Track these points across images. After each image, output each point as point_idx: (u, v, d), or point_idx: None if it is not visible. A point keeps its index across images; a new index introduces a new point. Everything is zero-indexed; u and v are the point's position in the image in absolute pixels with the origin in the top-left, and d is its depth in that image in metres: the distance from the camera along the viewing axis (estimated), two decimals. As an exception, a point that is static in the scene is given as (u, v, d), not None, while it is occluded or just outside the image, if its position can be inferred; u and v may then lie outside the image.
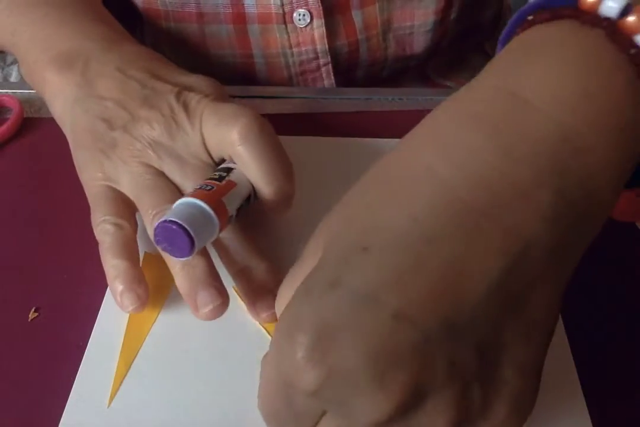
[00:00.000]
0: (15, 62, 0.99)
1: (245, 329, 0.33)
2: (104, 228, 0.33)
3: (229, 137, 0.31)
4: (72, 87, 0.36)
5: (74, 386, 0.30)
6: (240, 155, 0.32)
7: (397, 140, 0.46)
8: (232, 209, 0.31)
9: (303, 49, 0.51)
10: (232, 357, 0.32)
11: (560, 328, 0.33)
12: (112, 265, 0.32)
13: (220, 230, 0.30)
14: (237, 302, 0.34)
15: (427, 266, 0.19)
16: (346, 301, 0.19)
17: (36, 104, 0.48)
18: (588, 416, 0.29)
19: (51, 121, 0.46)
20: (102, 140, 0.34)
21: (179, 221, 0.28)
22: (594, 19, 0.22)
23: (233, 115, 0.32)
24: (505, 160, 0.21)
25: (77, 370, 0.31)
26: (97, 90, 0.36)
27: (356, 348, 0.19)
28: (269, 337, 0.32)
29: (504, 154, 0.21)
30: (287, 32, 0.50)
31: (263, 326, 0.33)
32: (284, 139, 0.43)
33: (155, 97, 0.34)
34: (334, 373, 0.19)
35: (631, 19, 0.22)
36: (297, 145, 0.44)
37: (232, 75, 0.53)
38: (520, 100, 0.21)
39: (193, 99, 0.34)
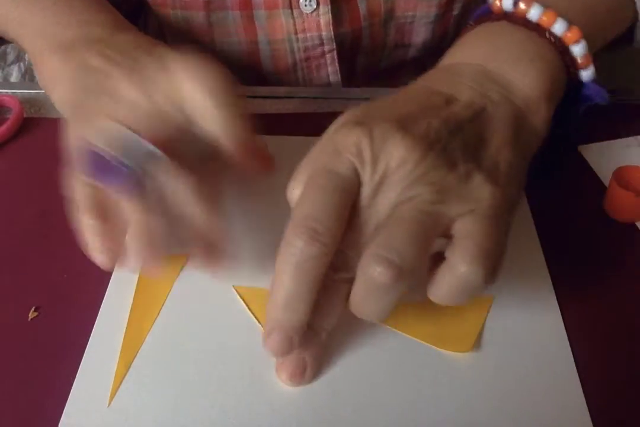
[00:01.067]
0: (15, 62, 0.99)
1: (245, 329, 0.33)
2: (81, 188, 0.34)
3: (190, 89, 0.33)
4: (72, 69, 0.37)
5: (74, 386, 0.30)
6: (203, 106, 0.33)
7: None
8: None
9: (308, 35, 0.51)
10: (232, 357, 0.32)
11: (560, 327, 0.33)
12: (89, 224, 0.33)
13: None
14: (237, 302, 0.34)
15: (402, 112, 0.30)
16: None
17: (36, 104, 0.48)
18: (588, 416, 0.29)
19: (51, 121, 0.46)
20: (90, 109, 0.35)
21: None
22: (518, 20, 0.36)
23: (197, 69, 0.33)
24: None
25: (77, 370, 0.31)
26: (93, 68, 0.36)
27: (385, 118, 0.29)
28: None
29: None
30: (293, 18, 0.50)
31: (264, 327, 0.33)
32: (285, 139, 0.44)
33: (139, 64, 0.35)
34: (371, 131, 0.28)
35: (544, 18, 0.35)
36: (297, 145, 0.44)
37: (236, 63, 0.53)
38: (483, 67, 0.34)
39: (168, 55, 0.35)
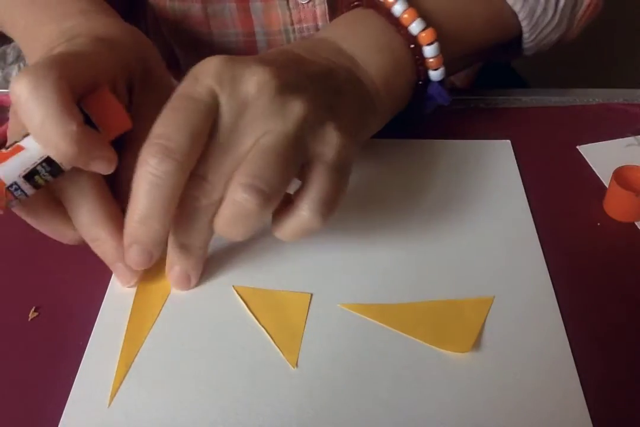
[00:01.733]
0: (15, 62, 0.99)
1: (245, 329, 0.33)
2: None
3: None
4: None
5: (74, 386, 0.30)
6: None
7: (396, 140, 0.46)
8: (12, 176, 0.29)
9: (304, 25, 0.51)
10: (232, 357, 0.32)
11: (560, 328, 0.33)
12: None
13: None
14: (237, 302, 0.34)
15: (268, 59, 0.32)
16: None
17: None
18: (588, 415, 0.29)
19: (51, 121, 0.46)
20: None
21: None
22: (383, 11, 0.38)
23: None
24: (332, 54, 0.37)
25: (77, 370, 0.31)
26: None
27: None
28: (269, 338, 0.32)
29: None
30: (289, 9, 0.50)
31: (263, 326, 0.33)
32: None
33: None
34: (232, 59, 0.30)
35: (405, 16, 0.38)
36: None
37: (233, 54, 0.53)
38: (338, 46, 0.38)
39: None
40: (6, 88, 0.50)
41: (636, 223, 0.39)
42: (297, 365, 0.31)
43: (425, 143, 0.44)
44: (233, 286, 0.35)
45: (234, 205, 0.29)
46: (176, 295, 0.34)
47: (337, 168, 0.31)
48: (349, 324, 0.33)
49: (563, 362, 0.31)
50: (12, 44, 0.76)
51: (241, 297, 0.34)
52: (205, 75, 0.30)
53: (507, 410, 0.30)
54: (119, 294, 0.34)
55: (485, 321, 0.33)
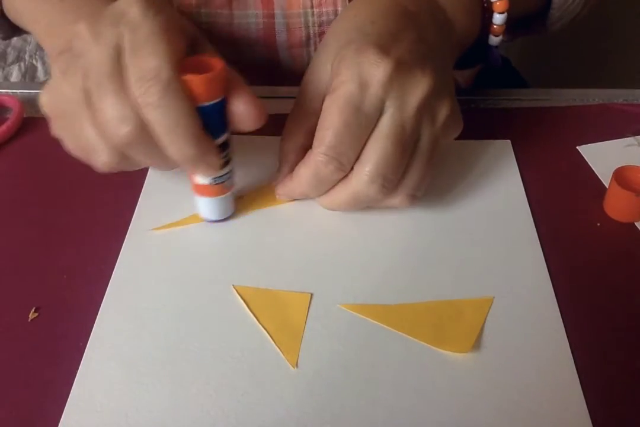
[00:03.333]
0: (15, 62, 0.99)
1: (245, 329, 0.33)
2: None
3: None
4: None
5: (74, 386, 0.30)
6: None
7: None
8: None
9: (324, 9, 0.51)
10: (232, 357, 0.32)
11: (560, 328, 0.33)
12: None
13: None
14: (237, 302, 0.34)
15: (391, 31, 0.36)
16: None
17: (36, 104, 0.48)
18: (588, 415, 0.29)
19: (51, 121, 0.46)
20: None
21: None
22: None
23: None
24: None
25: (77, 370, 0.31)
26: None
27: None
28: (269, 338, 0.32)
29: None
30: None
31: (263, 326, 0.33)
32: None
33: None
34: (399, 62, 0.33)
35: None
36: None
37: (252, 35, 0.53)
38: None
39: None
40: (6, 88, 0.50)
41: (636, 223, 0.39)
42: (297, 365, 0.31)
43: (425, 143, 0.44)
44: (233, 286, 0.35)
45: (367, 194, 0.34)
46: (176, 295, 0.34)
47: (435, 154, 0.36)
48: (348, 324, 0.33)
49: (563, 362, 0.31)
50: (13, 44, 0.76)
51: (241, 297, 0.34)
52: (376, 85, 0.33)
53: (507, 410, 0.30)
54: (119, 294, 0.34)
55: (485, 321, 0.33)
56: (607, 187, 0.40)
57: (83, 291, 0.35)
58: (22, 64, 0.99)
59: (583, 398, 0.30)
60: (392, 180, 0.34)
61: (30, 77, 1.00)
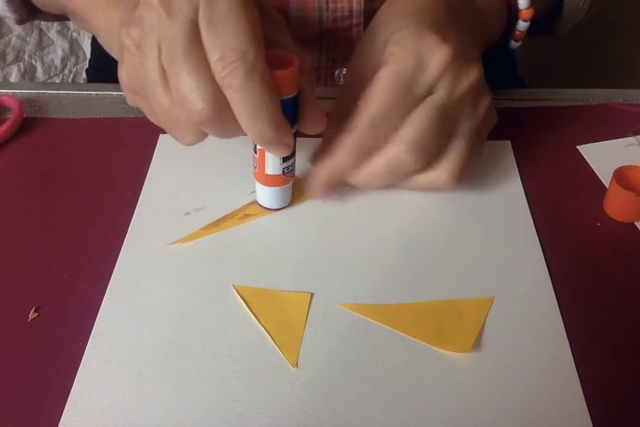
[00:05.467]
0: (14, 62, 0.99)
1: (245, 329, 0.33)
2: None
3: None
4: (118, 14, 0.37)
5: (74, 386, 0.30)
6: None
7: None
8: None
9: (339, 5, 0.51)
10: (232, 357, 0.32)
11: (560, 328, 0.33)
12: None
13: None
14: (237, 302, 0.34)
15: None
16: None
17: (36, 104, 0.48)
18: (588, 415, 0.29)
19: (51, 121, 0.46)
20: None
21: None
22: None
23: None
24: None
25: (77, 370, 0.31)
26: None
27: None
28: (269, 338, 0.32)
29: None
30: None
31: (263, 326, 0.33)
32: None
33: None
34: (456, 50, 0.35)
35: None
36: (297, 145, 0.44)
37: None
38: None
39: None
40: (6, 88, 0.50)
41: (636, 223, 0.39)
42: (297, 365, 0.31)
43: (425, 143, 0.44)
44: (233, 286, 0.35)
45: (394, 161, 0.35)
46: (176, 294, 0.34)
47: (478, 140, 0.37)
48: (348, 324, 0.33)
49: (563, 362, 0.31)
50: (12, 44, 0.76)
51: (241, 297, 0.34)
52: (434, 67, 0.34)
53: (507, 410, 0.30)
54: (119, 294, 0.34)
55: (485, 321, 0.33)
56: (607, 187, 0.40)
57: (83, 291, 0.35)
58: (21, 64, 0.99)
59: (583, 398, 0.30)
60: (430, 152, 0.34)
61: (30, 77, 1.00)
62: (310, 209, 0.39)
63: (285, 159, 0.36)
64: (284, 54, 0.32)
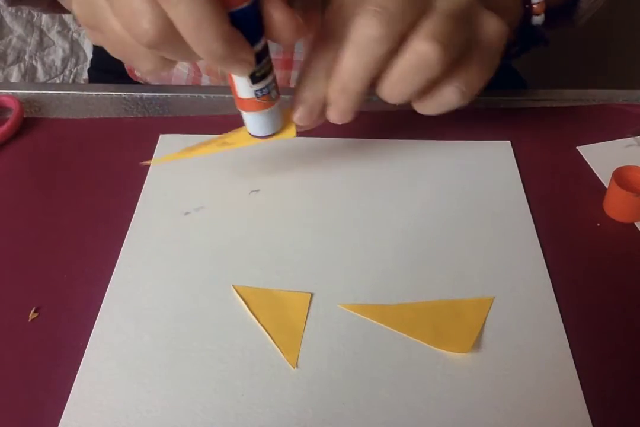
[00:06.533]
0: (15, 62, 0.99)
1: (245, 329, 0.33)
2: None
3: None
4: None
5: (74, 386, 0.30)
6: None
7: (396, 140, 0.46)
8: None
9: None
10: (232, 357, 0.32)
11: (560, 328, 0.33)
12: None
13: None
14: (237, 302, 0.34)
15: None
16: None
17: (36, 104, 0.48)
18: (588, 415, 0.29)
19: (51, 121, 0.46)
20: None
21: None
22: None
23: None
24: None
25: (77, 370, 0.31)
26: None
27: None
28: (269, 338, 0.32)
29: None
30: None
31: (263, 326, 0.33)
32: (284, 140, 0.44)
33: None
34: None
35: None
36: (298, 145, 0.44)
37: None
38: None
39: None
40: (6, 88, 0.50)
41: (636, 223, 0.39)
42: (297, 365, 0.31)
43: (425, 143, 0.44)
44: (233, 286, 0.35)
45: (414, 56, 0.32)
46: (176, 295, 0.34)
47: (488, 57, 0.35)
48: (348, 324, 0.33)
49: (563, 362, 0.31)
50: (12, 44, 0.76)
51: (241, 297, 0.34)
52: None
53: (507, 410, 0.30)
54: (119, 294, 0.34)
55: (485, 321, 0.33)
56: (607, 187, 0.40)
57: (83, 291, 0.35)
58: (22, 65, 0.99)
59: (583, 398, 0.30)
60: (453, 45, 0.32)
61: (30, 77, 1.00)
62: (310, 208, 0.39)
63: (255, 81, 0.32)
64: None
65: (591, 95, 0.49)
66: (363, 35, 0.31)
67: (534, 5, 0.44)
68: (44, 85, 0.52)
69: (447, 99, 0.35)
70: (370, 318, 0.33)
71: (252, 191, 0.40)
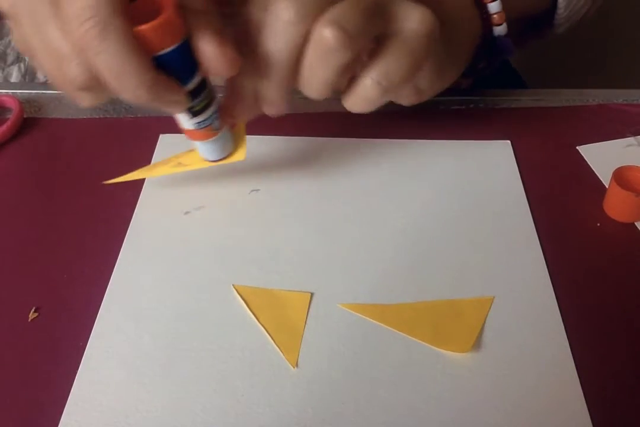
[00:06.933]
0: (15, 62, 0.99)
1: (244, 329, 0.33)
2: None
3: None
4: None
5: (74, 386, 0.30)
6: None
7: (396, 140, 0.46)
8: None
9: None
10: (232, 357, 0.32)
11: (560, 328, 0.33)
12: None
13: None
14: (237, 302, 0.34)
15: None
16: None
17: (36, 104, 0.48)
18: (588, 415, 0.29)
19: (51, 121, 0.46)
20: None
21: None
22: None
23: None
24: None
25: (77, 370, 0.31)
26: None
27: None
28: (269, 338, 0.32)
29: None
30: None
31: (263, 326, 0.33)
32: (284, 139, 0.44)
33: None
34: None
35: None
36: (297, 145, 0.44)
37: None
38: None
39: None
40: (6, 88, 0.50)
41: (636, 223, 0.39)
42: (297, 365, 0.31)
43: (425, 143, 0.44)
44: (233, 285, 0.35)
45: (318, 42, 0.30)
46: (176, 294, 0.34)
47: (411, 47, 0.32)
48: (348, 324, 0.33)
49: (563, 362, 0.31)
50: (12, 45, 0.76)
51: (241, 297, 0.34)
52: None
53: (507, 410, 0.30)
54: (119, 294, 0.34)
55: (485, 320, 0.33)
56: (607, 187, 0.40)
57: (83, 291, 0.35)
58: (22, 65, 0.99)
59: (583, 398, 0.30)
60: (358, 31, 0.30)
61: (30, 77, 1.00)
62: (310, 208, 0.39)
63: (193, 114, 0.32)
64: (158, 1, 0.28)
65: (591, 95, 0.49)
66: (277, 19, 0.30)
67: (494, 16, 0.42)
68: (44, 85, 0.52)
69: (366, 93, 0.33)
70: (370, 318, 0.33)
71: (252, 191, 0.40)
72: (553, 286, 0.35)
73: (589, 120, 0.47)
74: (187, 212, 0.39)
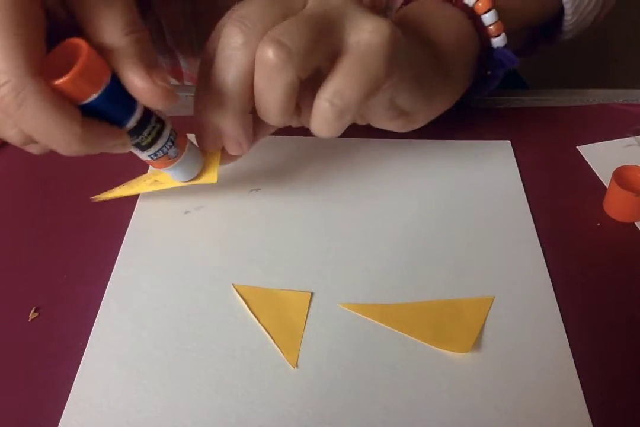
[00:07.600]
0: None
1: (244, 328, 0.33)
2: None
3: None
4: None
5: (74, 386, 0.30)
6: None
7: (396, 140, 0.46)
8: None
9: None
10: (232, 357, 0.32)
11: (560, 328, 0.33)
12: None
13: None
14: (237, 301, 0.34)
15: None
16: None
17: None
18: (588, 416, 0.29)
19: (51, 121, 0.46)
20: None
21: None
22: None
23: None
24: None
25: (77, 370, 0.31)
26: None
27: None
28: (269, 338, 0.32)
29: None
30: None
31: (263, 326, 0.33)
32: (284, 139, 0.44)
33: None
34: None
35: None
36: (297, 145, 0.44)
37: None
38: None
39: None
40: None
41: (636, 223, 0.39)
42: (297, 365, 0.31)
43: (425, 143, 0.44)
44: (233, 285, 0.35)
45: (261, 62, 0.29)
46: (176, 295, 0.34)
47: (364, 62, 0.30)
48: (348, 324, 0.33)
49: (563, 362, 0.31)
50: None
51: (241, 297, 0.34)
52: None
53: (507, 409, 0.30)
54: (118, 294, 0.34)
55: (485, 320, 0.33)
56: (607, 187, 0.40)
57: (83, 290, 0.35)
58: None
59: (583, 398, 0.30)
60: (303, 48, 0.29)
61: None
62: (310, 207, 0.39)
63: (143, 149, 0.32)
64: (71, 44, 0.26)
65: (591, 95, 0.49)
66: (224, 46, 0.30)
67: (490, 27, 0.40)
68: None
69: (322, 114, 0.31)
70: (370, 318, 0.33)
71: (252, 191, 0.40)
72: (553, 286, 0.35)
73: (589, 120, 0.47)
74: (187, 212, 0.39)
